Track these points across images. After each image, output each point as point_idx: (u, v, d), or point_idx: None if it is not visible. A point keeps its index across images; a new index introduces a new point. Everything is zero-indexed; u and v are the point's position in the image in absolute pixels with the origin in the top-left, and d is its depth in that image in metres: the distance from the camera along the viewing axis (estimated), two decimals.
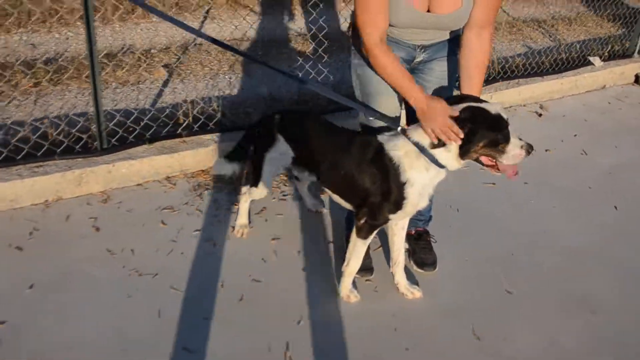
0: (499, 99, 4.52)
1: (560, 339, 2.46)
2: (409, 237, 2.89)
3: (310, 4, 4.81)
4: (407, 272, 2.73)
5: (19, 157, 2.91)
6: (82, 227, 2.77)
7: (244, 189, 2.79)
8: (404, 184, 2.27)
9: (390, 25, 2.28)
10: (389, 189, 2.31)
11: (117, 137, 3.15)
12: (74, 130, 3.10)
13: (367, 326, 2.42)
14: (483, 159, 2.23)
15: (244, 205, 2.82)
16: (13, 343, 2.15)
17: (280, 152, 2.55)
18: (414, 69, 2.53)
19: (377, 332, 2.40)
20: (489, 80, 4.56)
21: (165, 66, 4.47)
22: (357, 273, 2.64)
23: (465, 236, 3.07)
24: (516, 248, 3.01)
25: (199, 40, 4.89)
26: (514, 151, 2.15)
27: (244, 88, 4.20)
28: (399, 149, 2.28)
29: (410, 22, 2.27)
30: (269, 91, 4.14)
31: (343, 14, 5.31)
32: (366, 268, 2.67)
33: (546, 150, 4.03)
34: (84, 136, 3.11)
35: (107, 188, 3.03)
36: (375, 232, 2.46)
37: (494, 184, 3.59)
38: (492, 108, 2.17)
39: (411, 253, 2.85)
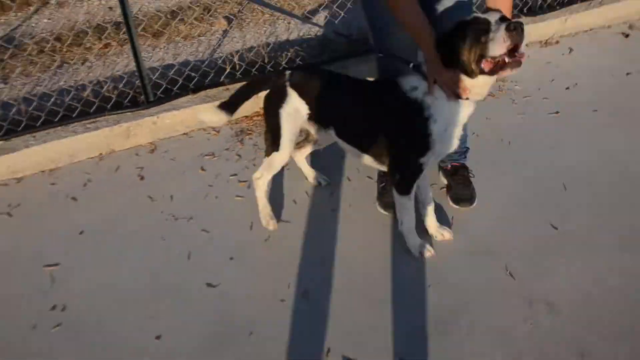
0: (577, 22, 4.09)
1: (607, 278, 2.27)
2: (446, 172, 2.77)
3: None
4: (443, 208, 2.65)
5: (74, 115, 3.15)
6: (129, 177, 2.96)
7: (257, 173, 2.55)
8: (427, 120, 2.15)
9: None
10: (413, 130, 2.20)
11: (161, 89, 3.30)
12: (120, 86, 3.27)
13: (390, 265, 2.38)
14: (486, 66, 1.97)
15: (260, 192, 2.57)
16: (63, 283, 2.39)
17: (295, 109, 2.38)
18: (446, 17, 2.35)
19: (401, 270, 2.35)
20: (564, 3, 4.13)
21: (227, 17, 4.54)
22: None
23: (514, 170, 2.87)
24: (571, 181, 2.77)
25: None
26: (497, 35, 1.88)
27: (297, 31, 4.16)
28: (419, 86, 2.17)
29: None
30: (323, 34, 4.07)
31: None
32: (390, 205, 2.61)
33: (627, 74, 3.60)
34: (131, 92, 3.29)
35: (154, 139, 3.20)
36: (415, 183, 2.32)
37: (557, 112, 3.29)
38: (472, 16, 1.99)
39: (448, 189, 2.73)
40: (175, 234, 2.59)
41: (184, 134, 3.25)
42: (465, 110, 2.19)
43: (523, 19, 4.05)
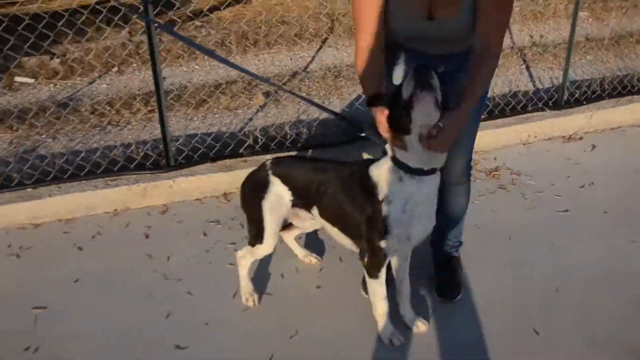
0: (604, 119, 4.07)
1: None
2: (434, 263, 2.75)
3: None
4: (425, 298, 2.62)
5: (99, 171, 3.39)
6: (135, 234, 3.11)
7: (241, 252, 2.58)
8: (382, 202, 2.15)
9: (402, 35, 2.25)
10: (371, 212, 2.19)
11: (183, 155, 3.52)
12: (146, 149, 3.51)
13: (365, 349, 2.36)
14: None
15: (243, 270, 2.59)
16: (45, 326, 2.50)
17: (278, 196, 2.40)
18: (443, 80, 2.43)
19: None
20: (591, 98, 4.13)
21: (266, 93, 4.81)
22: None
23: (509, 268, 2.80)
24: (565, 284, 2.68)
25: (309, 67, 5.24)
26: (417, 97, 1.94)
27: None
28: (380, 167, 2.18)
29: (405, 28, 2.20)
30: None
31: None
32: None
33: None
34: (154, 155, 3.53)
35: (168, 201, 3.37)
36: (383, 267, 2.28)
37: (567, 211, 3.22)
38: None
39: (435, 279, 2.70)
40: (161, 293, 2.68)
41: (197, 199, 3.41)
42: (425, 188, 2.12)
43: (547, 112, 4.06)
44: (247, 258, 2.59)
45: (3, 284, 2.76)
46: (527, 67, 5.12)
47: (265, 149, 3.63)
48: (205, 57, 5.55)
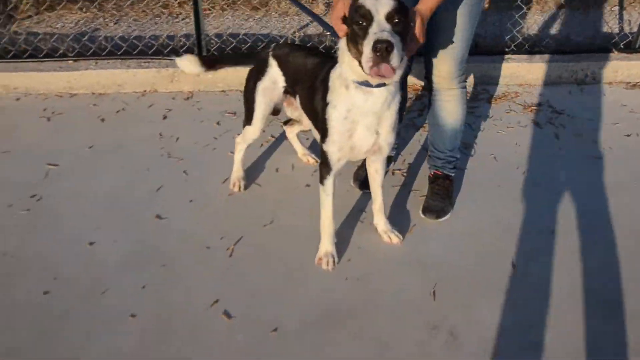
0: None
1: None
2: (429, 179, 2.67)
3: None
4: (409, 213, 2.57)
5: (135, 52, 3.53)
6: (155, 114, 3.25)
7: (238, 138, 2.64)
8: (327, 105, 2.04)
9: None
10: (321, 113, 2.10)
11: (215, 47, 3.57)
12: (184, 39, 3.59)
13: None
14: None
15: (238, 155, 2.66)
16: (52, 180, 2.73)
17: (273, 80, 2.39)
18: None
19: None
20: None
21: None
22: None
23: (509, 203, 2.65)
24: (562, 229, 2.50)
25: None
26: (365, 48, 1.72)
27: None
28: (336, 69, 2.03)
29: None
30: None
31: None
32: (360, 180, 2.63)
33: None
34: (188, 44, 3.62)
35: (194, 89, 3.47)
36: (329, 176, 2.19)
37: (598, 158, 2.96)
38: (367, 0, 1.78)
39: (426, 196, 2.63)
40: (160, 168, 2.82)
41: (222, 90, 3.48)
42: (371, 99, 1.95)
43: (615, 54, 3.68)
44: (241, 144, 2.64)
45: (28, 141, 3.01)
46: (621, 8, 4.61)
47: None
48: None
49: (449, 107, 2.48)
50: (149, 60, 3.49)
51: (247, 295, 2.15)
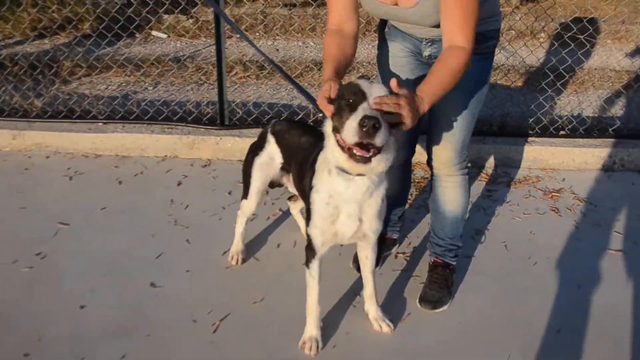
0: None
1: None
2: (429, 266, 2.58)
3: None
4: (406, 301, 2.48)
5: (160, 118, 3.67)
6: (171, 180, 3.33)
7: (239, 211, 2.64)
8: (312, 188, 2.02)
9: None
10: (306, 196, 2.08)
11: (237, 117, 3.66)
12: (208, 107, 3.72)
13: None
14: (339, 139, 1.77)
15: (238, 228, 2.67)
16: (61, 240, 2.80)
17: (270, 156, 2.42)
18: (430, 65, 2.25)
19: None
20: None
21: (362, 76, 4.80)
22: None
23: (517, 296, 2.52)
24: (570, 327, 2.35)
25: None
26: (351, 122, 1.65)
27: None
28: (322, 153, 1.99)
29: (375, 12, 2.13)
30: None
31: None
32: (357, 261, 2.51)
33: None
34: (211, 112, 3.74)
35: (212, 157, 3.54)
36: (314, 260, 2.14)
37: (621, 251, 2.80)
38: (361, 81, 1.77)
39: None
40: (164, 235, 2.85)
41: (240, 160, 3.53)
42: (353, 187, 1.89)
43: None
44: (240, 216, 2.65)
45: (46, 199, 3.13)
46: None
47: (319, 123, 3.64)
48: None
49: (449, 193, 2.43)
50: (173, 126, 3.61)
51: None
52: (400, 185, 2.62)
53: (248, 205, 2.53)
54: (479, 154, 3.52)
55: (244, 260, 2.68)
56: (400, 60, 2.29)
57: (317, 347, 2.20)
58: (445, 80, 1.89)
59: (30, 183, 3.26)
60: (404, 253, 2.79)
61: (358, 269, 2.57)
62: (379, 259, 2.62)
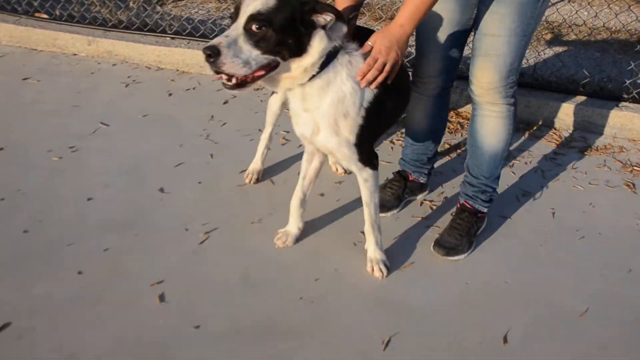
0: None
1: None
2: (455, 210, 2.34)
3: None
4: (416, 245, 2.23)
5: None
6: (219, 98, 3.28)
7: (266, 118, 2.54)
8: None
9: None
10: None
11: None
12: None
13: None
14: None
15: (261, 144, 2.59)
16: (94, 138, 2.86)
17: None
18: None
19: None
20: None
21: None
22: None
23: (538, 266, 2.18)
24: (595, 312, 1.98)
25: None
26: None
27: None
28: None
29: None
30: None
31: None
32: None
33: None
34: None
35: None
36: (305, 154, 2.16)
37: None
38: None
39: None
40: (191, 146, 2.82)
41: None
42: (292, 97, 1.86)
43: None
44: (266, 126, 2.58)
45: (97, 100, 3.22)
46: None
47: None
48: None
49: (490, 124, 2.13)
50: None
51: (194, 283, 2.02)
52: (429, 119, 2.34)
53: (274, 100, 2.45)
54: (554, 113, 3.06)
55: (257, 180, 2.57)
56: None
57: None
58: None
59: (91, 86, 3.37)
60: (431, 201, 2.51)
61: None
62: (398, 200, 2.40)
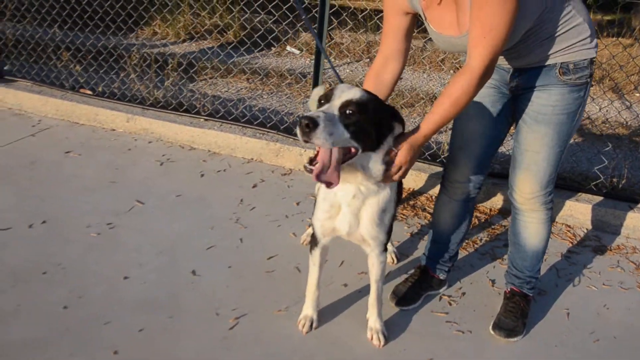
0: None
1: None
2: (504, 295, 2.53)
3: None
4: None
5: (256, 122, 3.84)
6: (248, 182, 3.45)
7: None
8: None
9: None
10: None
11: None
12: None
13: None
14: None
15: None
16: (133, 218, 3.02)
17: None
18: (515, 97, 2.21)
19: None
20: None
21: None
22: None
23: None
24: None
25: None
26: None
27: None
28: None
29: (440, 44, 2.09)
30: None
31: None
32: (398, 295, 2.52)
33: None
34: None
35: (294, 166, 3.62)
36: (317, 249, 2.25)
37: None
38: (340, 85, 1.85)
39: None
40: (222, 230, 2.96)
41: None
42: (343, 190, 1.96)
43: None
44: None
45: (133, 177, 3.41)
46: None
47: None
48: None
49: (532, 229, 2.34)
50: (264, 132, 3.76)
51: None
52: (455, 220, 2.50)
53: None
54: (569, 211, 3.20)
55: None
56: (482, 91, 2.19)
57: (311, 325, 2.34)
58: (446, 108, 1.91)
59: (127, 162, 3.58)
60: (449, 296, 2.62)
61: (397, 302, 2.51)
62: (417, 295, 2.52)
